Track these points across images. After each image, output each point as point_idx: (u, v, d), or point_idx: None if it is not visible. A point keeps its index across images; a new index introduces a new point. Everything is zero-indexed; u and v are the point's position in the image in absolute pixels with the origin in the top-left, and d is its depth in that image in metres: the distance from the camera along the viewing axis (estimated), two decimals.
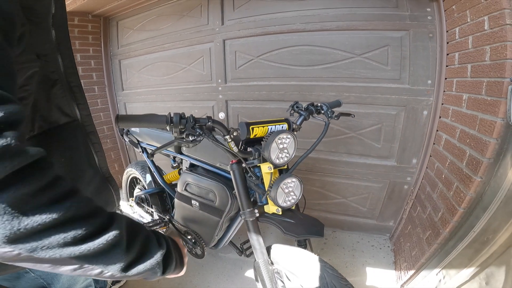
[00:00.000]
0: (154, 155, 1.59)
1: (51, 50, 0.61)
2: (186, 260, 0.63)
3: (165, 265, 0.54)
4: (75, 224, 0.38)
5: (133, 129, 1.68)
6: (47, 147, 0.58)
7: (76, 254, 0.39)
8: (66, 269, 0.41)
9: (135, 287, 1.62)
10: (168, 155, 1.62)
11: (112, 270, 0.44)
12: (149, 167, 1.74)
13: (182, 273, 0.62)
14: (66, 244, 0.37)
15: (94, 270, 0.43)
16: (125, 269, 0.46)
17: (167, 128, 0.78)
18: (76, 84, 0.69)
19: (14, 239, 0.33)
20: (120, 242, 0.44)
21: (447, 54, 1.45)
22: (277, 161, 0.92)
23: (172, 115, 0.78)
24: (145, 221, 1.81)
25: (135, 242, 0.48)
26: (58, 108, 0.64)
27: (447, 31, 1.44)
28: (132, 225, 0.50)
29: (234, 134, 0.89)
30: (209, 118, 0.84)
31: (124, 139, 1.72)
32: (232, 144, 0.89)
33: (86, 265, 0.41)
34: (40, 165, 0.37)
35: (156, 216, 1.75)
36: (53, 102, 0.62)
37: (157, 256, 0.50)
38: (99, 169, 0.75)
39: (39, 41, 0.56)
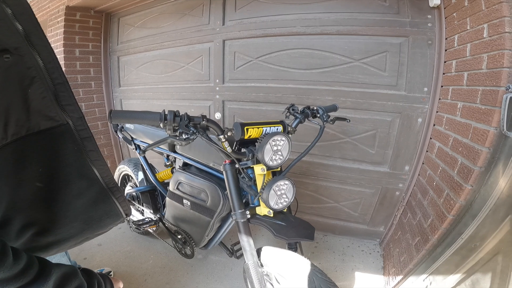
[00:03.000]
0: (146, 152, 1.58)
1: (21, 42, 0.54)
2: None
3: None
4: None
5: (127, 125, 1.67)
6: (23, 156, 0.55)
7: None
8: None
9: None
10: (161, 153, 1.61)
11: None
12: (141, 165, 1.73)
13: None
14: None
15: None
16: None
17: (161, 125, 0.77)
18: (60, 81, 0.60)
19: None
20: None
21: (445, 62, 1.47)
22: (271, 163, 0.92)
23: (166, 113, 0.78)
24: (134, 219, 1.79)
25: None
26: (38, 110, 0.56)
27: (446, 39, 1.45)
28: (62, 280, 0.50)
29: (228, 134, 0.88)
30: (203, 117, 0.83)
31: (118, 136, 1.71)
32: (226, 144, 0.89)
33: None
34: None
35: (147, 215, 1.74)
36: (31, 104, 0.55)
37: None
38: (98, 179, 0.68)
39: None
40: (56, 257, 1.10)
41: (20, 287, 0.43)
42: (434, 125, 1.54)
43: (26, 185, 0.57)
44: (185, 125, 0.78)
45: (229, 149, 0.90)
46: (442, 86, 1.49)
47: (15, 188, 0.55)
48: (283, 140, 0.92)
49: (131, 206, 1.82)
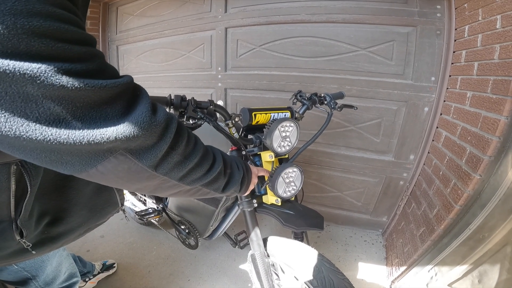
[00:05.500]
0: None
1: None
2: (251, 187, 0.78)
3: (241, 185, 0.70)
4: (203, 162, 0.55)
5: None
6: None
7: (203, 183, 0.56)
8: (191, 193, 0.58)
9: (125, 275, 1.59)
10: None
11: (216, 192, 0.63)
12: None
13: (247, 192, 0.78)
14: (201, 176, 0.55)
15: (207, 193, 0.61)
16: (222, 190, 0.64)
17: (167, 110, 0.75)
18: None
19: (183, 178, 0.51)
20: (221, 171, 0.61)
21: (454, 52, 1.44)
22: (279, 149, 0.89)
23: (173, 97, 0.75)
24: (137, 209, 1.78)
25: (227, 169, 0.64)
26: None
27: (455, 29, 1.43)
28: (224, 156, 0.64)
29: (236, 119, 0.86)
30: (211, 102, 0.81)
31: None
32: (233, 130, 0.87)
33: (203, 189, 0.59)
34: (180, 125, 0.49)
35: (149, 205, 1.73)
36: None
37: (238, 179, 0.68)
38: None
39: None
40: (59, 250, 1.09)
41: (211, 163, 0.57)
42: (441, 114, 1.52)
43: (44, 172, 0.58)
44: (193, 110, 0.75)
45: (236, 135, 0.87)
46: (450, 76, 1.47)
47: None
48: (291, 126, 0.90)
49: (133, 196, 1.82)
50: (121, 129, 0.37)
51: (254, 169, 0.79)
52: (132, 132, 0.37)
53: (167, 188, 0.52)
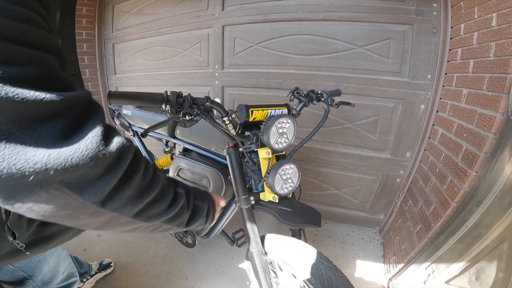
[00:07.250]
0: (144, 139, 1.53)
1: (53, 33, 0.56)
2: (217, 216, 0.76)
3: (207, 217, 0.67)
4: (162, 196, 0.50)
5: (124, 111, 1.62)
6: None
7: (164, 219, 0.51)
8: (150, 230, 0.52)
9: (122, 275, 1.58)
10: (160, 139, 1.57)
11: (179, 227, 0.58)
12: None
13: (213, 223, 0.75)
14: (161, 212, 0.50)
15: (168, 229, 0.56)
16: (187, 224, 0.60)
17: (163, 106, 0.74)
18: (75, 72, 0.63)
19: (138, 214, 0.45)
20: (185, 205, 0.57)
21: (450, 50, 1.45)
22: (276, 146, 0.89)
23: (169, 94, 0.74)
24: None
25: (190, 202, 0.60)
26: None
27: (451, 27, 1.44)
28: (186, 188, 0.60)
29: (233, 116, 0.85)
30: (207, 98, 0.80)
31: (115, 122, 1.66)
32: (230, 127, 0.86)
33: (164, 225, 0.53)
34: (137, 155, 0.43)
35: None
36: None
37: (203, 212, 0.65)
38: None
39: None
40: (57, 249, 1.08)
41: (173, 198, 0.53)
42: (437, 111, 1.53)
43: None
44: (189, 106, 0.75)
45: (233, 132, 0.87)
46: (446, 74, 1.48)
47: None
48: (288, 123, 0.89)
49: None
50: (55, 156, 0.29)
51: (217, 198, 0.77)
52: (69, 161, 0.30)
53: (119, 225, 0.45)
